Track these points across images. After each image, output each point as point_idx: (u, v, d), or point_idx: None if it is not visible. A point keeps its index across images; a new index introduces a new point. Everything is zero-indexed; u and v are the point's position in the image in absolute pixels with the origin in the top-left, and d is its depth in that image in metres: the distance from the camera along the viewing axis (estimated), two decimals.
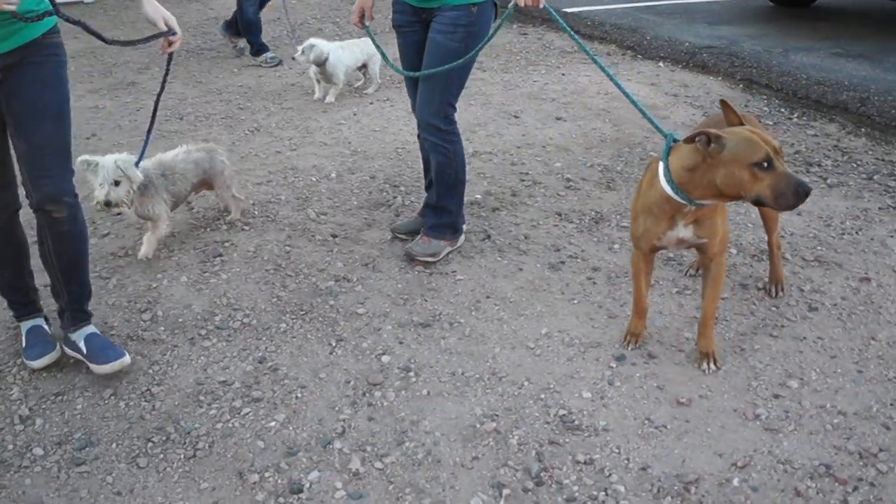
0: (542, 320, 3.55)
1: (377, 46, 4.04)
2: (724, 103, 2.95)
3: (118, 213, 4.17)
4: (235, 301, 3.73)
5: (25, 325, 3.40)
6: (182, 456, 2.83)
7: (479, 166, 5.20)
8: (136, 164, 3.87)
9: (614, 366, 3.23)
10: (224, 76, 7.35)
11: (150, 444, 2.89)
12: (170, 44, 3.10)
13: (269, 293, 3.80)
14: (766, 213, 3.55)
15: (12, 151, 3.05)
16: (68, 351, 3.31)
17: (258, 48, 7.72)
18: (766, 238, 3.67)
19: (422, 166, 4.24)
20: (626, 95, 3.20)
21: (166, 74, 3.39)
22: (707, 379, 3.14)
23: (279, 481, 2.71)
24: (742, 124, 2.85)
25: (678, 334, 3.41)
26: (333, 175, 5.11)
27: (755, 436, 2.84)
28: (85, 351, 3.22)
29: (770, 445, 2.79)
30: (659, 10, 9.26)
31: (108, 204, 3.78)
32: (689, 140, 2.78)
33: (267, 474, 2.73)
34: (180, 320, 3.60)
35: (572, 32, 3.39)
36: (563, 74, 7.15)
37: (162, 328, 3.55)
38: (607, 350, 3.33)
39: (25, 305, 3.41)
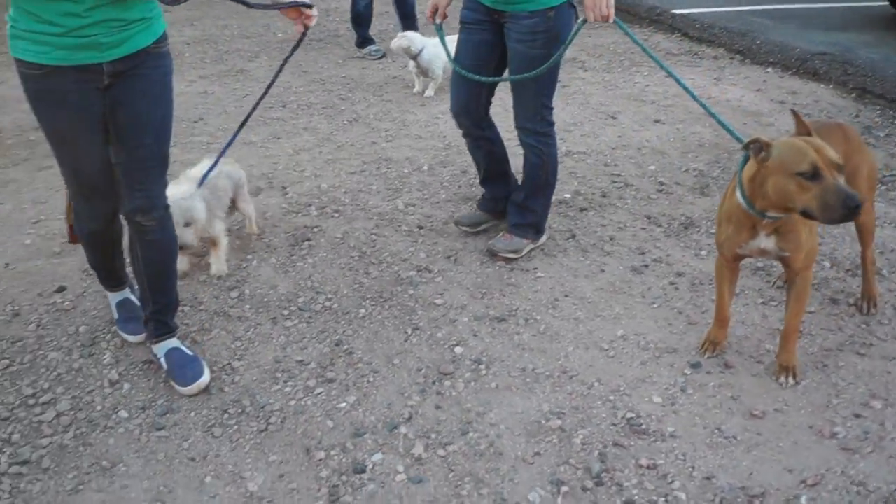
0: (619, 322, 3.53)
1: (444, 46, 4.05)
2: (794, 113, 2.88)
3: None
4: (319, 285, 3.82)
5: (115, 297, 3.54)
6: (255, 429, 2.92)
7: (571, 166, 5.18)
8: (207, 173, 3.83)
9: (689, 373, 3.19)
10: (329, 67, 7.49)
11: (225, 416, 2.99)
12: (307, 18, 3.06)
13: (352, 279, 3.88)
14: (861, 226, 3.45)
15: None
16: (153, 357, 3.32)
17: (363, 40, 7.85)
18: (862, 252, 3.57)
19: (511, 163, 4.25)
20: (698, 100, 3.18)
21: (289, 56, 3.40)
22: (784, 393, 3.07)
23: (343, 460, 2.77)
24: (809, 135, 2.76)
25: (759, 345, 3.34)
26: (425, 167, 5.16)
27: (829, 454, 2.77)
28: (166, 367, 3.22)
29: (844, 465, 2.71)
30: (772, 14, 9.02)
31: (180, 248, 3.51)
32: (745, 147, 2.73)
33: (333, 453, 2.80)
34: (265, 300, 3.71)
35: (637, 40, 3.35)
36: (666, 77, 7.05)
37: (248, 306, 3.66)
38: (683, 357, 3.29)
39: (112, 278, 3.52)
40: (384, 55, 7.79)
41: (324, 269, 3.96)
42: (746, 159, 2.84)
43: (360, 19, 7.75)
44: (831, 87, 6.79)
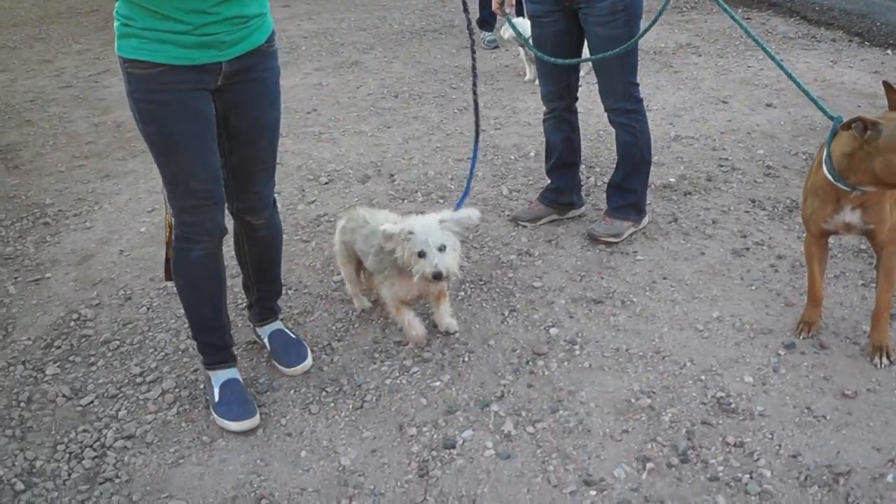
0: (716, 304, 3.52)
1: (518, 34, 4.07)
2: (886, 85, 2.82)
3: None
4: None
5: (218, 378, 3.13)
6: (350, 406, 3.06)
7: (678, 150, 5.16)
8: (459, 205, 3.33)
9: (782, 353, 3.17)
10: (442, 56, 7.62)
11: (323, 394, 3.14)
12: None
13: (517, 230, 4.04)
14: None
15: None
16: (257, 338, 3.46)
17: (482, 25, 7.89)
18: None
19: (614, 148, 4.25)
20: (790, 76, 3.09)
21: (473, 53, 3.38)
22: (878, 373, 3.03)
23: (435, 436, 2.88)
24: None
25: (856, 327, 3.29)
26: (532, 154, 5.22)
27: None
28: (269, 348, 3.34)
29: None
30: None
31: (437, 277, 3.01)
32: (846, 126, 2.70)
33: (424, 429, 2.91)
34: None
35: (733, 13, 3.29)
36: (781, 60, 6.89)
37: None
38: (778, 337, 3.27)
39: (220, 350, 3.16)
40: (497, 46, 7.85)
41: None
42: (834, 134, 2.82)
43: (485, 24, 7.82)
44: None
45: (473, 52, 3.42)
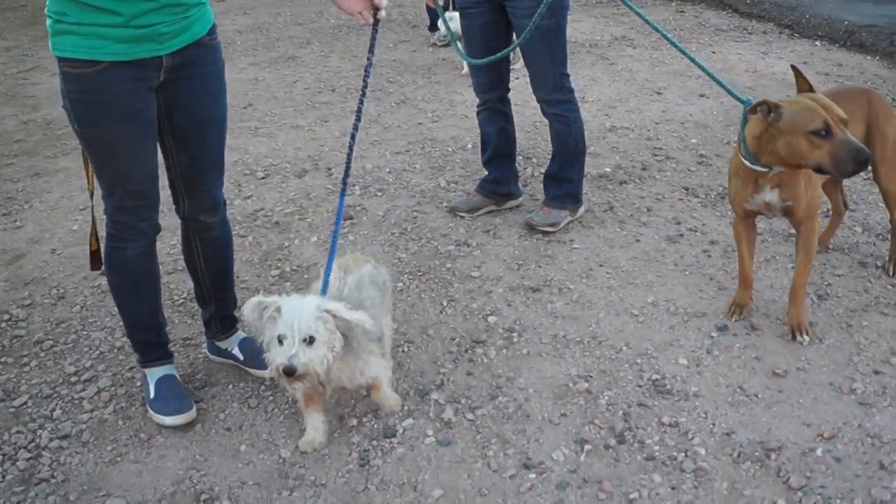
0: (651, 289, 3.58)
1: (448, 29, 4.05)
2: (794, 68, 2.95)
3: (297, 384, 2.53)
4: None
5: (154, 374, 3.05)
6: (289, 399, 3.04)
7: (613, 141, 5.22)
8: (327, 274, 2.74)
9: (715, 335, 3.24)
10: (379, 51, 7.56)
11: (262, 388, 3.11)
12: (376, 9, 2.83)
13: (392, 254, 3.99)
14: (885, 192, 3.47)
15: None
16: (215, 358, 3.29)
17: (434, 24, 7.89)
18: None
19: (549, 138, 4.28)
20: (698, 65, 3.24)
21: (371, 47, 3.01)
22: (808, 352, 3.11)
23: (375, 426, 2.88)
24: (811, 91, 2.86)
25: (786, 308, 3.37)
26: (469, 146, 5.25)
27: (847, 409, 2.81)
28: (242, 357, 3.20)
29: (861, 419, 2.76)
30: None
31: (289, 372, 2.40)
32: (752, 110, 2.80)
33: (365, 419, 2.91)
34: (305, 276, 3.83)
35: (639, 11, 3.38)
36: (714, 52, 7.03)
37: (288, 283, 3.80)
38: (711, 320, 3.34)
39: (156, 347, 3.08)
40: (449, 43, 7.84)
41: (364, 246, 4.08)
42: (746, 119, 2.91)
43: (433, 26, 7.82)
44: (878, 58, 6.73)
45: (365, 84, 3.12)
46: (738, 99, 3.01)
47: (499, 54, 3.69)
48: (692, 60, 3.22)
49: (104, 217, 2.83)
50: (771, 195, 3.03)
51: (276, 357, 2.42)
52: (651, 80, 6.40)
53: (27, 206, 4.79)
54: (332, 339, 2.47)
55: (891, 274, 3.55)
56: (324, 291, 2.66)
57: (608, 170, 4.79)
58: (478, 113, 4.25)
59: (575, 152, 4.04)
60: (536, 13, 3.41)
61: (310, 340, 2.41)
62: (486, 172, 4.35)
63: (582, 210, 4.23)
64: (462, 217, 4.31)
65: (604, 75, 6.53)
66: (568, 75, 3.93)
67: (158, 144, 2.77)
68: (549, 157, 4.14)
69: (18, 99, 6.81)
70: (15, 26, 9.35)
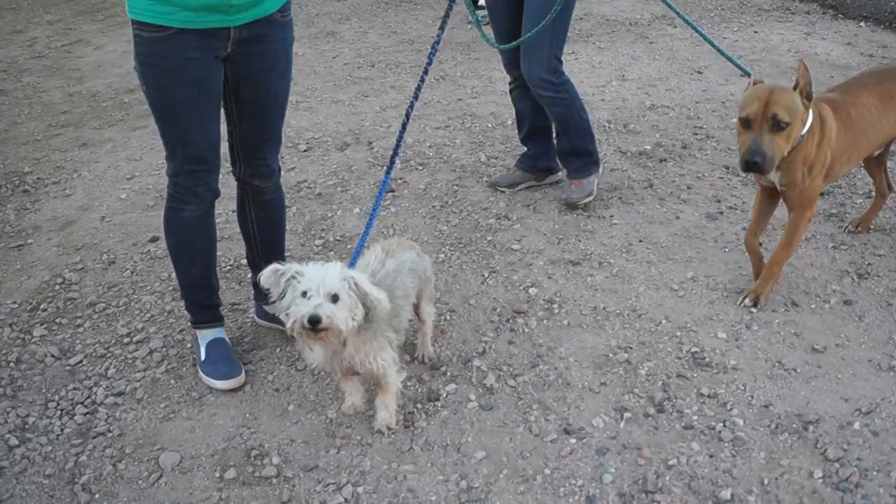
0: (691, 265, 3.63)
1: (473, 14, 3.80)
2: (801, 63, 2.94)
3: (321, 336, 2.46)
4: (401, 231, 4.01)
5: (205, 336, 3.16)
6: None
7: (654, 119, 5.25)
8: (360, 246, 2.80)
9: (754, 311, 3.29)
10: (418, 27, 7.65)
11: None
12: None
13: (433, 226, 4.06)
14: None
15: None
16: (263, 322, 3.38)
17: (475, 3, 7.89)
18: None
19: (594, 117, 4.32)
20: (707, 40, 3.32)
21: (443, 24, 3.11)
22: (847, 329, 3.15)
23: (419, 390, 2.97)
24: (803, 87, 2.91)
25: (826, 286, 3.42)
26: (509, 122, 5.29)
27: (886, 385, 2.86)
28: None
29: None
30: None
31: (313, 321, 2.36)
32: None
33: (409, 384, 2.98)
34: (349, 248, 3.91)
35: None
36: (756, 32, 7.01)
37: (332, 253, 3.88)
38: (750, 297, 3.38)
39: (208, 309, 3.19)
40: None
41: (406, 218, 4.15)
42: None
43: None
44: None
45: (423, 78, 3.17)
46: (743, 70, 3.17)
47: (522, 38, 3.64)
48: (702, 35, 3.30)
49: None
50: (774, 175, 3.11)
51: (301, 308, 2.38)
52: (692, 59, 6.40)
53: (76, 175, 4.90)
54: (354, 304, 2.45)
55: None
56: (352, 264, 2.68)
57: (648, 147, 4.82)
58: (510, 91, 4.28)
59: (580, 124, 4.04)
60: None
61: (334, 298, 2.40)
62: (525, 149, 4.39)
63: (601, 168, 4.26)
64: (503, 192, 4.36)
65: (644, 54, 6.53)
66: (561, 60, 3.91)
67: (223, 111, 2.84)
68: (596, 126, 4.14)
69: (63, 71, 6.92)
70: (58, 1, 9.47)
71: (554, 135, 4.34)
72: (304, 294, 2.40)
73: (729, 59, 3.22)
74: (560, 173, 4.41)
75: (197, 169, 2.82)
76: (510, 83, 4.24)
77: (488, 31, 4.01)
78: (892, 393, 2.81)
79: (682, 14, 3.33)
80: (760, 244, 3.43)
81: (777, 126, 2.85)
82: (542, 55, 3.83)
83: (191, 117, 2.70)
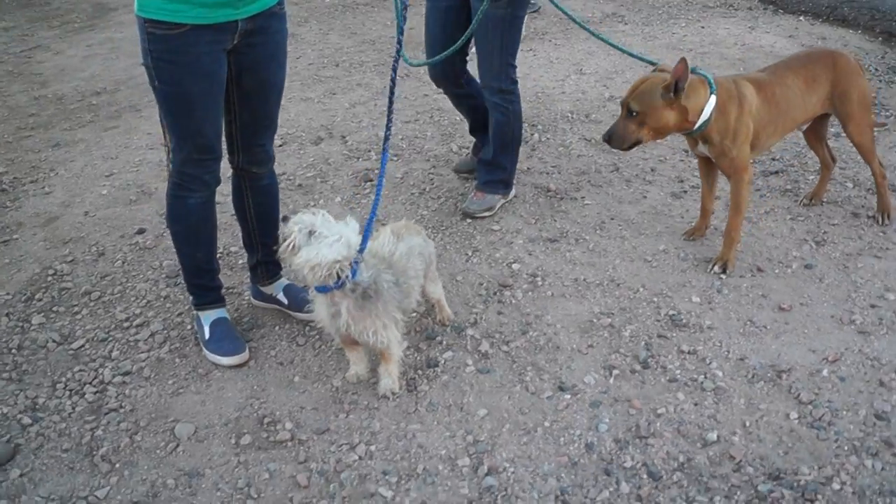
0: (661, 238, 3.86)
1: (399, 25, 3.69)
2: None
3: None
4: (383, 218, 4.17)
5: (208, 316, 3.31)
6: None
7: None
8: (362, 248, 2.78)
9: (724, 277, 3.53)
10: (377, 28, 7.82)
11: (307, 328, 3.36)
12: None
13: (414, 212, 4.25)
14: (858, 147, 3.84)
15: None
16: (259, 303, 3.54)
17: None
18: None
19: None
20: (610, 43, 3.77)
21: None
22: (809, 289, 3.42)
23: (418, 358, 3.15)
24: (669, 81, 3.28)
25: (787, 253, 3.69)
26: None
27: (848, 337, 3.12)
28: (286, 301, 3.44)
29: (861, 345, 3.07)
30: None
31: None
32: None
33: (408, 353, 3.14)
34: None
35: (567, 10, 3.83)
36: (703, 27, 7.31)
37: None
38: (719, 264, 3.62)
39: (211, 291, 3.34)
40: (539, 8, 7.96)
41: (386, 205, 4.33)
42: None
43: None
44: (859, 31, 7.04)
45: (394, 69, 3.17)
46: (650, 62, 3.58)
47: (446, 52, 3.69)
48: (604, 41, 3.76)
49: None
50: (703, 147, 3.49)
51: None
52: (645, 53, 6.65)
53: (52, 174, 4.98)
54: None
55: (880, 223, 3.87)
56: (362, 247, 2.78)
57: None
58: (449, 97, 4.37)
59: (510, 141, 4.14)
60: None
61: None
62: (475, 139, 4.53)
63: (512, 194, 4.34)
64: (465, 177, 4.52)
65: (598, 49, 6.78)
66: (514, 67, 4.00)
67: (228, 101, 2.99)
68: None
69: (26, 76, 6.96)
70: (11, 7, 9.44)
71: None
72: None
73: (634, 55, 3.71)
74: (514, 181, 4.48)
75: (205, 158, 2.97)
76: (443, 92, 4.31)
77: None
78: (854, 343, 3.09)
79: (576, 19, 3.68)
80: (713, 212, 3.85)
81: (630, 113, 3.33)
82: (493, 64, 3.91)
83: (203, 109, 2.84)
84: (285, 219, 2.72)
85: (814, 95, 3.62)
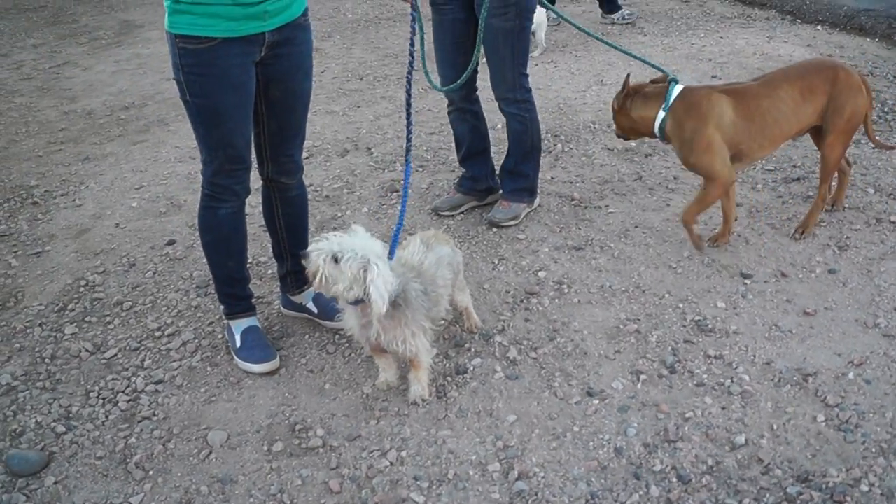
0: (685, 246, 3.89)
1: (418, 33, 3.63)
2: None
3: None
4: (410, 227, 4.23)
5: (239, 325, 3.36)
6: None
7: None
8: (390, 256, 2.89)
9: (748, 282, 3.56)
10: (400, 42, 7.89)
11: (336, 336, 3.41)
12: None
13: (440, 221, 4.30)
14: (825, 158, 3.79)
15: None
16: (289, 312, 3.59)
17: (610, 7, 8.10)
18: None
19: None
20: (628, 53, 3.94)
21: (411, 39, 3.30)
22: (833, 294, 3.44)
23: (447, 365, 3.19)
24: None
25: (811, 258, 3.71)
26: (500, 126, 5.51)
27: (873, 340, 3.14)
28: (316, 310, 3.49)
29: (886, 348, 3.09)
30: None
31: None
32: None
33: (436, 360, 3.19)
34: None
35: (575, 22, 3.98)
36: (721, 37, 7.33)
37: None
38: (743, 270, 3.66)
39: (242, 300, 3.38)
40: (635, 20, 8.07)
41: (413, 215, 4.38)
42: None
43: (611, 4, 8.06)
44: (877, 40, 7.04)
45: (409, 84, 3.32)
46: (666, 73, 3.74)
47: (464, 76, 3.70)
48: (623, 52, 3.93)
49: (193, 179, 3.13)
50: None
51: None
52: (665, 63, 6.68)
53: (83, 187, 5.08)
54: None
55: (796, 237, 3.91)
56: (391, 255, 2.88)
57: (633, 144, 5.09)
58: (448, 113, 4.36)
59: (531, 149, 4.19)
60: (483, 8, 3.51)
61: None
62: (464, 170, 4.46)
63: (537, 202, 4.39)
64: (445, 216, 4.41)
65: (619, 60, 6.82)
66: (527, 76, 4.04)
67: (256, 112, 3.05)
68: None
69: (55, 92, 7.09)
70: (39, 25, 9.61)
71: (491, 155, 4.44)
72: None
73: (652, 65, 3.87)
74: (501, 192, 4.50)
75: (236, 168, 3.03)
76: (448, 106, 4.31)
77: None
78: (879, 347, 3.10)
79: (590, 32, 3.77)
80: (736, 218, 3.95)
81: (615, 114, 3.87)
82: (506, 76, 3.95)
83: (234, 120, 2.90)
84: (304, 255, 2.72)
85: (809, 107, 3.63)
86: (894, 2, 7.85)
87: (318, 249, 2.68)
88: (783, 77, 3.67)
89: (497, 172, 4.43)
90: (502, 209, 4.23)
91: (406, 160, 3.18)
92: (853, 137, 3.84)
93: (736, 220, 3.91)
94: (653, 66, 3.82)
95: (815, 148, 3.92)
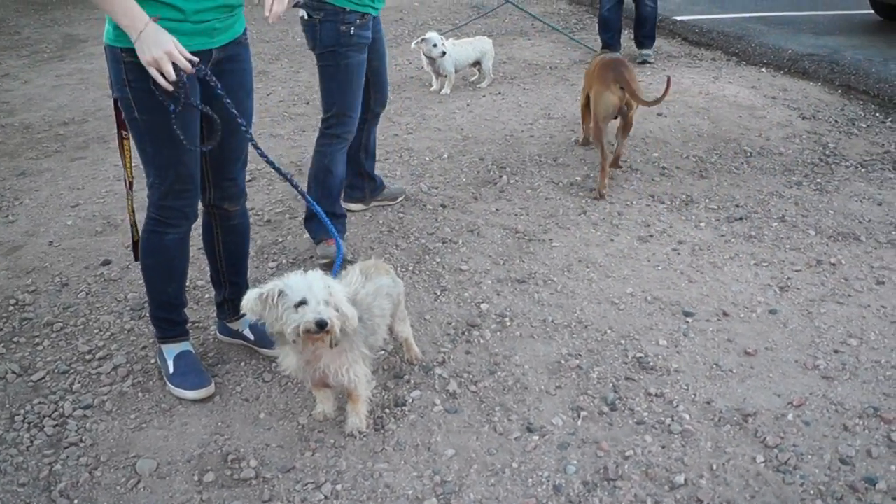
0: (628, 282, 3.89)
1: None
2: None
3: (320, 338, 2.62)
4: (352, 256, 4.17)
5: (172, 350, 3.26)
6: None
7: (581, 153, 5.55)
8: (338, 262, 3.00)
9: (690, 321, 3.56)
10: None
11: (273, 364, 3.31)
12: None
13: (383, 250, 4.25)
14: None
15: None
16: (225, 338, 3.51)
17: (605, 45, 7.96)
18: None
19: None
20: (562, 32, 3.63)
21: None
22: (774, 335, 3.45)
23: (386, 397, 3.13)
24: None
25: (752, 298, 3.72)
26: (445, 156, 5.53)
27: (813, 382, 3.15)
28: (252, 338, 3.43)
29: (825, 390, 3.09)
30: (767, 21, 9.46)
31: (321, 325, 2.51)
32: None
33: (375, 391, 3.12)
34: (302, 269, 4.04)
35: (538, 15, 3.87)
36: (668, 76, 7.41)
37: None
38: (685, 308, 3.66)
39: (177, 325, 3.29)
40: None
41: (355, 243, 4.33)
42: None
43: (607, 25, 7.95)
44: (819, 84, 7.18)
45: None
46: (589, 48, 3.71)
47: None
48: (561, 32, 3.84)
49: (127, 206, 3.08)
50: None
51: (306, 315, 2.49)
52: None
53: (17, 203, 4.94)
54: (344, 312, 2.60)
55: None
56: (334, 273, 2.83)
57: (578, 178, 5.12)
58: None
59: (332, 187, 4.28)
60: None
61: (326, 303, 2.54)
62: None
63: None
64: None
65: (566, 94, 6.87)
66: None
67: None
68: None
69: None
70: None
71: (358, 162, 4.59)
72: (300, 303, 2.53)
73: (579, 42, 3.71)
74: (386, 190, 4.77)
75: (186, 188, 2.94)
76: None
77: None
78: (818, 388, 3.10)
79: (559, 28, 3.71)
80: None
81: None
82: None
83: (183, 136, 2.79)
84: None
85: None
86: (837, 48, 8.06)
87: (286, 299, 2.57)
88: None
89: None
90: (325, 247, 4.14)
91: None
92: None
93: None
94: (579, 42, 3.83)
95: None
